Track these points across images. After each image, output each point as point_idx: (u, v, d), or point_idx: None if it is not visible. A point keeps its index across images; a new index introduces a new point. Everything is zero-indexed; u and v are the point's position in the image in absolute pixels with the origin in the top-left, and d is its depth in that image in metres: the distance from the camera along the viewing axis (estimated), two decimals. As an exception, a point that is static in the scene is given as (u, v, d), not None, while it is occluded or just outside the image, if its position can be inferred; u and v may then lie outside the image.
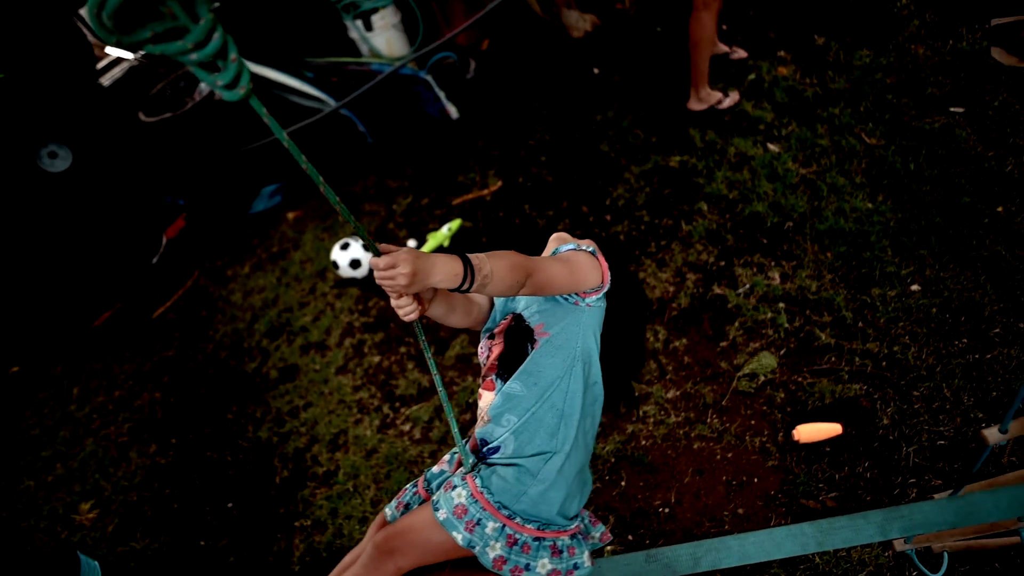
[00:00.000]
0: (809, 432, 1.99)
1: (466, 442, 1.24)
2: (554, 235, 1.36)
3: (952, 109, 2.74)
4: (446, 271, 0.95)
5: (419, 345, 1.10)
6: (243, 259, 3.50)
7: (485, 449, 1.20)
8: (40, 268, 3.63)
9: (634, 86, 3.42)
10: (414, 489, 1.32)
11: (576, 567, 1.15)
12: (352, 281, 3.07)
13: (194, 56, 0.66)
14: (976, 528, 1.45)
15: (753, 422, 2.08)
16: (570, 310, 1.16)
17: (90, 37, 3.91)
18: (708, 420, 2.13)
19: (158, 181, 3.81)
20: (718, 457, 2.04)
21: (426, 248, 2.98)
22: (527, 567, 1.11)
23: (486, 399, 1.22)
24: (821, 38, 3.20)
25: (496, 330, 1.24)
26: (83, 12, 4.05)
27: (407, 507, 1.29)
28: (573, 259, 1.14)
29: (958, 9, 3.08)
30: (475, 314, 1.29)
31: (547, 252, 1.32)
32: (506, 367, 1.18)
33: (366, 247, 0.93)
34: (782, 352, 2.21)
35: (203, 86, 3.86)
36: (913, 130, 2.69)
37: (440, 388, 1.13)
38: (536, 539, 1.13)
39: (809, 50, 3.18)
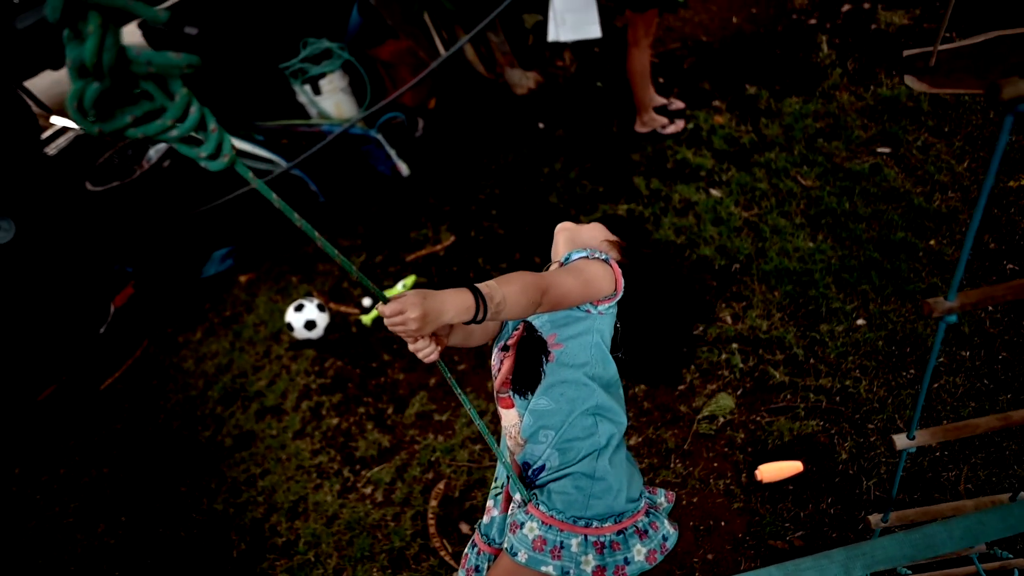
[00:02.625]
0: (771, 471, 1.95)
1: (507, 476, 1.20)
2: (560, 227, 1.35)
3: (879, 150, 2.83)
4: (457, 307, 0.92)
5: (447, 382, 1.10)
6: (194, 325, 3.34)
7: (531, 472, 1.17)
8: None
9: (578, 139, 3.46)
10: (475, 549, 1.26)
11: (666, 538, 1.15)
12: (307, 343, 2.95)
13: (175, 132, 0.65)
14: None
15: (716, 464, 2.03)
16: (581, 318, 1.14)
17: (34, 108, 3.80)
18: (672, 465, 2.07)
19: (105, 250, 3.66)
20: (684, 502, 1.97)
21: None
22: (626, 561, 1.10)
23: (508, 417, 1.19)
24: (752, 87, 3.31)
25: (510, 342, 1.19)
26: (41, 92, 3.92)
27: (477, 570, 1.24)
28: (586, 270, 1.11)
29: (875, 57, 3.23)
30: (492, 330, 1.25)
31: (556, 248, 1.32)
32: (522, 381, 1.15)
33: (373, 296, 0.90)
34: (739, 392, 2.17)
35: (151, 153, 3.75)
36: (845, 171, 2.77)
37: (478, 421, 1.09)
38: (619, 533, 1.11)
39: (742, 99, 3.28)
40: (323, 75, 3.52)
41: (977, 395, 1.97)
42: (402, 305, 0.88)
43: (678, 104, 3.33)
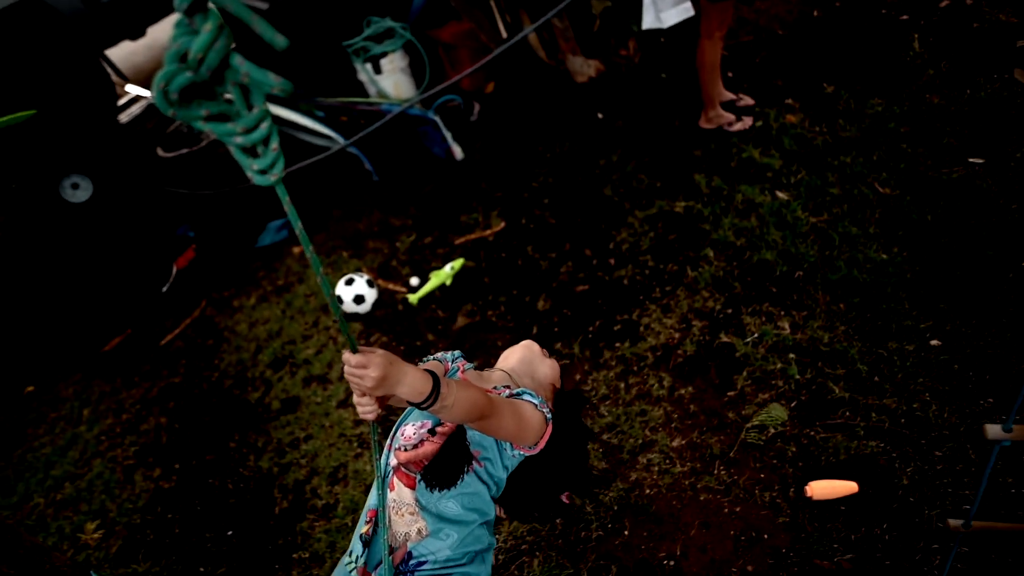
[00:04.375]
0: (823, 489, 1.82)
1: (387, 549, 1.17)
2: (525, 344, 1.46)
3: (971, 160, 2.57)
4: (413, 387, 0.95)
5: (371, 441, 1.19)
6: (249, 291, 3.41)
7: (412, 563, 1.17)
8: (58, 292, 3.63)
9: (638, 131, 3.32)
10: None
11: None
12: (355, 316, 2.95)
13: (239, 140, 0.67)
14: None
15: (763, 475, 1.92)
16: (501, 448, 1.21)
17: (112, 76, 3.94)
18: (715, 472, 1.97)
19: (171, 213, 3.79)
20: (726, 510, 1.88)
21: (429, 287, 2.86)
22: None
23: (403, 494, 1.19)
24: (830, 86, 3.08)
25: (440, 429, 1.21)
26: (112, 56, 4.07)
27: None
28: (528, 419, 1.17)
29: (975, 58, 2.95)
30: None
31: (510, 354, 1.44)
32: (439, 477, 1.16)
33: (346, 341, 0.92)
34: (793, 404, 2.04)
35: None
36: (930, 180, 2.53)
37: (381, 491, 1.15)
38: None
39: (818, 98, 3.06)
40: (384, 54, 3.50)
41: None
42: (368, 361, 0.90)
43: (747, 100, 3.14)
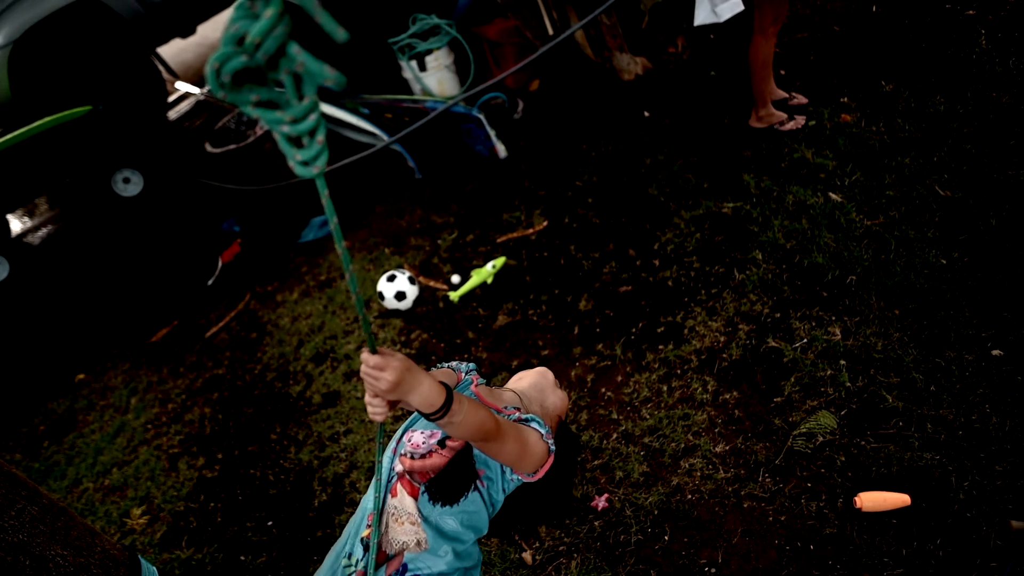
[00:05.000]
0: (873, 500, 1.81)
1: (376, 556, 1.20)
2: (540, 371, 1.50)
3: (1037, 161, 2.51)
4: (424, 398, 0.97)
5: (375, 443, 1.20)
6: (292, 285, 3.53)
7: (402, 573, 1.19)
8: (108, 284, 3.81)
9: (686, 130, 3.32)
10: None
11: None
12: (396, 312, 3.04)
13: (286, 129, 0.67)
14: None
15: (809, 484, 1.91)
16: (503, 470, 1.25)
17: (163, 73, 4.13)
18: (760, 479, 1.97)
19: (217, 208, 3.94)
20: (770, 519, 1.88)
21: (470, 284, 2.93)
22: None
23: (405, 503, 1.20)
24: (889, 84, 3.03)
25: (451, 444, 1.23)
26: (162, 50, 4.26)
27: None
28: (532, 447, 1.19)
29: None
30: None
31: (523, 378, 1.48)
32: (443, 492, 1.19)
33: (366, 341, 0.97)
34: (843, 412, 2.03)
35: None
36: (994, 183, 2.47)
37: (379, 494, 1.17)
38: None
39: (876, 97, 3.01)
40: (430, 51, 3.58)
41: None
42: (386, 364, 0.92)
43: (800, 99, 3.11)
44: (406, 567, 1.18)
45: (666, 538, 1.92)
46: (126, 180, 3.96)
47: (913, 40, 3.20)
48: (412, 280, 2.98)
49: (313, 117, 0.68)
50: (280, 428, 2.78)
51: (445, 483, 1.19)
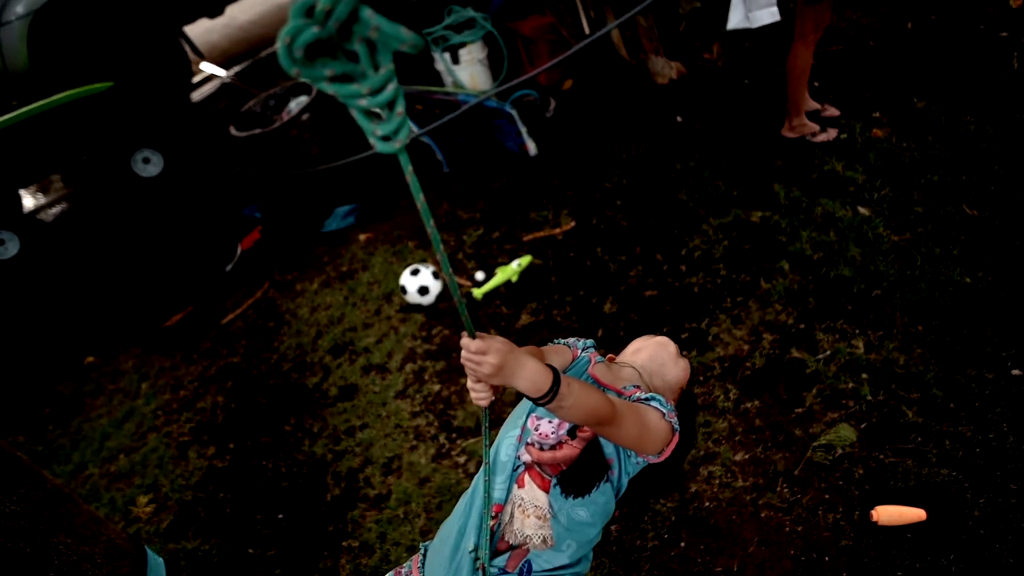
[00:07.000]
0: (889, 514, 1.93)
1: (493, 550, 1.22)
2: (660, 341, 1.44)
3: (1065, 186, 2.66)
4: (531, 382, 0.97)
5: (481, 428, 1.16)
6: (312, 275, 3.66)
7: (526, 569, 1.22)
8: (123, 265, 3.91)
9: (717, 137, 3.46)
10: None
11: None
12: (418, 307, 3.17)
13: (365, 102, 0.66)
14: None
15: (827, 496, 2.03)
16: (626, 455, 1.24)
17: (189, 54, 4.27)
18: (778, 489, 2.09)
19: (239, 193, 4.07)
20: (787, 529, 2.00)
21: (494, 282, 3.07)
22: None
23: (535, 494, 1.20)
24: (921, 102, 3.18)
25: (581, 434, 1.23)
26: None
27: None
28: (653, 429, 1.17)
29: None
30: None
31: (642, 348, 1.43)
32: (574, 484, 1.19)
33: (464, 327, 0.95)
34: (863, 426, 2.16)
35: (292, 105, 4.14)
36: (1021, 205, 2.62)
37: (488, 479, 1.17)
38: None
39: (908, 113, 3.16)
40: (463, 44, 3.71)
41: None
42: (488, 347, 0.93)
43: (833, 111, 3.26)
44: (530, 565, 1.21)
45: (682, 544, 2.03)
46: (146, 160, 4.08)
47: (946, 59, 3.34)
48: (436, 275, 3.12)
49: (392, 87, 0.66)
50: (295, 420, 2.88)
51: (577, 475, 1.19)
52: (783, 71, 3.05)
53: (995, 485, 1.93)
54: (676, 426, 1.21)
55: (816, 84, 3.46)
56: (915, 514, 1.91)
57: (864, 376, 2.27)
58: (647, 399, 1.22)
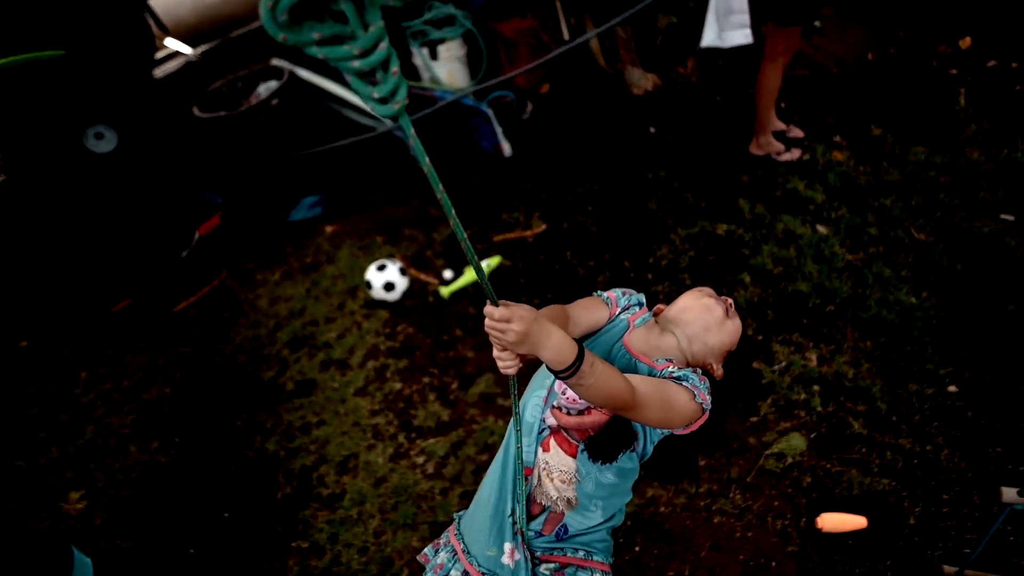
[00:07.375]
0: (833, 522, 2.05)
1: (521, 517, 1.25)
2: (706, 305, 1.27)
3: (1003, 216, 2.87)
4: (557, 351, 0.97)
5: (511, 398, 1.14)
6: (274, 266, 3.60)
7: (560, 531, 1.27)
8: (68, 244, 3.73)
9: (688, 150, 3.58)
10: (453, 557, 1.35)
11: None
12: (383, 303, 3.16)
13: (357, 64, 0.65)
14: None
15: (776, 503, 2.14)
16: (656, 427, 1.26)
17: (154, 28, 4.11)
18: (731, 495, 2.18)
19: (199, 176, 3.95)
20: (737, 535, 2.09)
21: (462, 281, 3.10)
22: None
23: (562, 459, 1.22)
24: (878, 129, 3.37)
25: None
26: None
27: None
28: (679, 411, 1.13)
29: (1015, 119, 3.25)
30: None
31: (689, 304, 1.27)
32: (600, 451, 1.19)
33: (485, 295, 0.95)
34: (812, 436, 2.28)
35: (261, 89, 4.05)
36: (963, 231, 2.83)
37: (520, 445, 1.18)
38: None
39: (865, 139, 3.35)
40: (443, 41, 3.71)
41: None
42: (512, 314, 0.93)
43: (797, 132, 3.42)
44: (566, 528, 1.26)
45: (637, 548, 2.10)
46: (98, 136, 3.90)
47: (902, 90, 3.57)
48: (403, 272, 3.11)
49: (383, 46, 0.66)
50: (247, 415, 2.79)
51: (604, 442, 1.19)
52: (753, 90, 3.19)
53: (929, 495, 2.07)
54: (707, 406, 1.16)
55: (783, 105, 3.62)
56: (856, 522, 2.03)
57: (816, 388, 2.40)
58: (679, 377, 1.16)
